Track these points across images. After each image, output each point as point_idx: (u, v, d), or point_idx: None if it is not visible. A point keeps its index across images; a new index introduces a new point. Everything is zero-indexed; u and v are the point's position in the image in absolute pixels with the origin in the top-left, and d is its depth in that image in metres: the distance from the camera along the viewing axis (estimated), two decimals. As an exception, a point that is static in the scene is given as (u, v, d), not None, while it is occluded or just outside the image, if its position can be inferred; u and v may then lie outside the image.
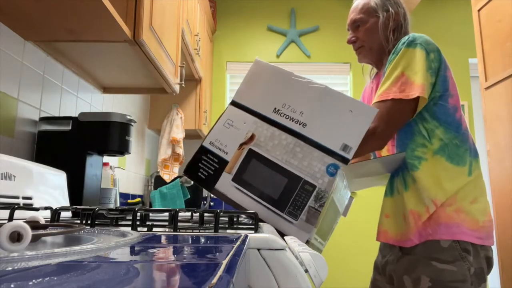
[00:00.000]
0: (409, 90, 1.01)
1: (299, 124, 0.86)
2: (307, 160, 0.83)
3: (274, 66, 0.95)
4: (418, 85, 1.01)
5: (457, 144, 1.05)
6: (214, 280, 0.24)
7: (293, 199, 0.82)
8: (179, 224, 0.68)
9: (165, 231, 0.63)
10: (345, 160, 0.83)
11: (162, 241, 0.50)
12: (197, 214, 0.74)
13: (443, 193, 1.02)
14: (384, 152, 1.19)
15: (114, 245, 0.33)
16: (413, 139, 1.08)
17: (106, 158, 1.54)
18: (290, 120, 0.87)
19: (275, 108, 0.89)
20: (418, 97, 1.01)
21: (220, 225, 0.62)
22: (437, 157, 1.04)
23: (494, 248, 1.11)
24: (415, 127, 1.07)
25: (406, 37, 1.07)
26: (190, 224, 0.77)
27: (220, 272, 0.27)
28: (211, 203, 2.99)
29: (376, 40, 1.18)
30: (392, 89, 1.03)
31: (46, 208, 0.73)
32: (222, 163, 0.88)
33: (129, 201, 2.24)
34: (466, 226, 1.00)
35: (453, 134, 1.06)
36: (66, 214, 1.09)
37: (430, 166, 1.04)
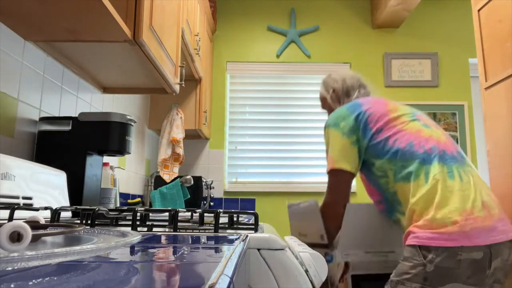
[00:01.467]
0: (328, 164, 1.32)
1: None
2: None
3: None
4: (330, 157, 1.30)
5: (403, 165, 1.18)
6: (214, 280, 0.24)
7: None
8: (179, 224, 0.68)
9: (165, 231, 0.63)
10: (324, 246, 1.33)
11: (162, 241, 0.50)
12: (197, 214, 0.74)
13: (412, 211, 1.12)
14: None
15: (114, 245, 0.33)
16: (379, 186, 1.26)
17: (106, 158, 1.54)
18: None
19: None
20: (336, 168, 1.28)
21: (220, 225, 0.62)
22: (398, 185, 1.19)
23: None
24: (372, 176, 1.27)
25: (326, 121, 1.40)
26: (190, 224, 0.77)
27: (220, 272, 0.27)
28: (211, 203, 2.99)
29: (330, 107, 1.55)
30: (327, 164, 1.34)
31: (46, 208, 0.73)
32: None
33: (129, 201, 2.24)
34: (429, 232, 1.05)
35: (395, 160, 1.20)
36: (66, 214, 1.09)
37: (400, 193, 1.19)
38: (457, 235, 1.02)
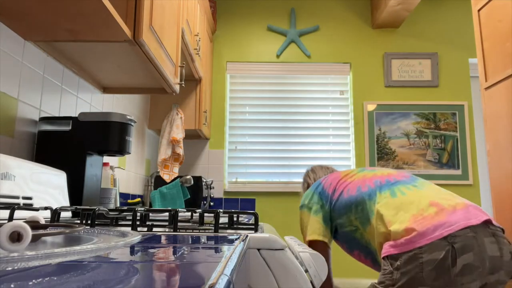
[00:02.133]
0: (305, 237, 1.48)
1: None
2: None
3: None
4: (305, 234, 1.48)
5: (359, 210, 1.29)
6: (214, 280, 0.24)
7: None
8: (179, 224, 0.68)
9: (165, 231, 0.63)
10: None
11: (162, 241, 0.50)
12: (197, 214, 0.74)
13: (378, 242, 1.22)
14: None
15: (114, 245, 0.33)
16: (357, 242, 1.34)
17: (106, 158, 1.54)
18: None
19: None
20: (313, 240, 1.43)
21: (220, 225, 0.62)
22: (368, 231, 1.27)
23: None
24: (348, 237, 1.37)
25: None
26: (190, 224, 0.77)
27: (220, 272, 0.27)
28: (211, 203, 2.99)
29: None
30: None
31: (46, 208, 0.73)
32: None
33: (129, 201, 2.24)
34: (391, 242, 1.12)
35: (353, 209, 1.32)
36: (66, 214, 1.09)
37: (371, 238, 1.27)
38: (414, 237, 1.05)
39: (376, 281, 1.16)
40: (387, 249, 1.11)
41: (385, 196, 1.24)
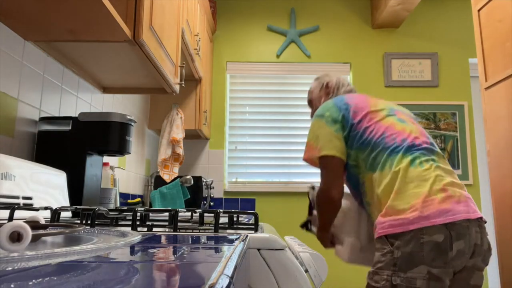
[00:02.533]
0: (312, 151, 1.33)
1: None
2: None
3: None
4: (317, 147, 1.32)
5: (373, 156, 1.23)
6: (214, 280, 0.24)
7: None
8: (179, 224, 0.68)
9: (165, 231, 0.63)
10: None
11: (162, 241, 0.50)
12: (197, 214, 0.74)
13: (378, 201, 1.19)
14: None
15: (114, 245, 0.34)
16: (351, 175, 1.32)
17: (106, 158, 1.54)
18: None
19: None
20: (326, 155, 1.30)
21: (220, 225, 0.62)
22: (367, 175, 1.25)
23: (493, 247, 1.11)
24: (347, 168, 1.32)
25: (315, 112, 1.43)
26: (190, 224, 0.77)
27: (220, 272, 0.27)
28: (211, 203, 2.99)
29: (320, 102, 1.61)
30: (305, 150, 1.38)
31: (46, 208, 0.73)
32: None
33: (129, 201, 2.24)
34: (391, 220, 1.11)
35: (367, 151, 1.25)
36: (66, 214, 1.09)
37: (367, 184, 1.25)
38: (417, 218, 1.08)
39: (373, 265, 1.14)
40: (386, 228, 1.11)
41: (406, 162, 1.19)
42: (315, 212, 1.41)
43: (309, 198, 1.53)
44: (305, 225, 1.53)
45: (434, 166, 1.18)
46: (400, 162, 1.19)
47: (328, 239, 1.40)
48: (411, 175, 1.16)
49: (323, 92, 1.60)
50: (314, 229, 1.46)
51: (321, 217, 1.36)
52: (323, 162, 1.32)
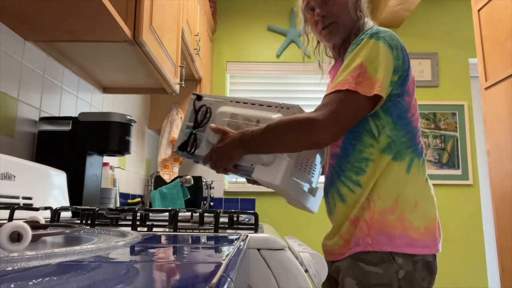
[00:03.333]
0: (367, 85, 0.91)
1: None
2: None
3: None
4: (377, 81, 0.91)
5: (403, 141, 0.98)
6: (214, 280, 0.24)
7: None
8: (179, 224, 0.68)
9: (165, 231, 0.63)
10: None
11: (162, 241, 0.50)
12: (197, 214, 0.74)
13: (381, 193, 0.95)
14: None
15: (114, 245, 0.34)
16: (361, 140, 0.99)
17: (106, 158, 1.54)
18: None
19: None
20: (378, 97, 0.92)
21: (220, 225, 0.62)
22: (383, 157, 0.97)
23: (493, 247, 1.08)
24: (365, 126, 0.99)
25: (369, 29, 0.99)
26: (190, 224, 0.77)
27: (220, 272, 0.27)
28: (211, 203, 2.99)
29: (348, 16, 1.08)
30: (349, 80, 0.92)
31: (46, 208, 0.73)
32: None
33: (129, 201, 2.24)
34: (408, 237, 0.93)
35: (402, 131, 0.98)
36: (66, 214, 1.09)
37: (375, 167, 0.97)
38: (429, 242, 0.95)
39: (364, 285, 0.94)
40: (403, 246, 0.92)
41: (423, 171, 1.00)
42: (212, 125, 1.02)
43: (194, 106, 1.07)
44: (185, 145, 1.04)
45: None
46: (420, 170, 1.00)
47: (235, 160, 0.99)
48: (427, 190, 1.00)
49: (357, 7, 1.09)
50: (203, 148, 1.03)
51: (275, 139, 0.95)
52: (362, 102, 0.92)
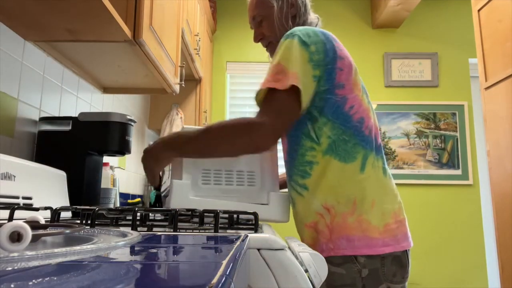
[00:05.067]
0: (284, 79, 0.91)
1: None
2: None
3: None
4: (291, 74, 0.91)
5: (345, 139, 0.95)
6: (214, 280, 0.24)
7: None
8: (179, 224, 0.68)
9: (165, 231, 0.63)
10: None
11: (162, 241, 0.50)
12: (197, 214, 0.74)
13: (339, 199, 0.94)
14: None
15: (114, 245, 0.34)
16: (301, 144, 0.99)
17: (106, 158, 1.54)
18: None
19: None
20: (296, 88, 0.90)
21: (220, 225, 0.62)
22: (327, 158, 0.95)
23: (493, 247, 1.08)
24: (303, 130, 0.99)
25: (290, 32, 0.99)
26: (190, 224, 0.77)
27: (220, 272, 0.27)
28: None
29: (280, 32, 1.09)
30: (268, 79, 0.94)
31: (46, 208, 0.73)
32: None
33: (129, 201, 2.24)
34: (367, 238, 0.91)
35: (341, 129, 0.95)
36: (66, 214, 1.09)
37: (321, 170, 0.95)
38: (391, 240, 0.93)
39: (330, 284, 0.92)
40: (361, 248, 0.91)
41: (379, 166, 0.98)
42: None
43: None
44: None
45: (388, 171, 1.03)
46: (376, 165, 0.97)
47: (162, 164, 0.97)
48: (385, 185, 0.98)
49: (286, 14, 1.10)
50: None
51: (212, 141, 0.93)
52: (284, 96, 0.91)
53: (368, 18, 3.31)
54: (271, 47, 1.14)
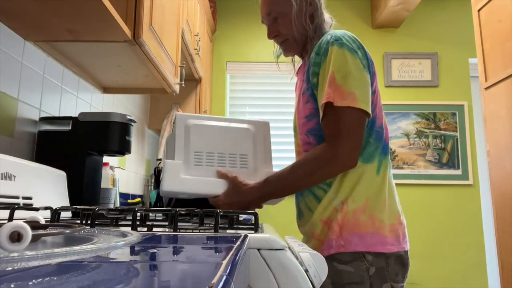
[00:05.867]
0: (349, 98, 0.93)
1: None
2: None
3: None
4: (352, 94, 0.93)
5: (370, 142, 0.99)
6: (214, 280, 0.24)
7: None
8: (179, 224, 0.68)
9: (165, 231, 0.63)
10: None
11: (162, 241, 0.50)
12: (197, 214, 0.74)
13: (355, 197, 0.96)
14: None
15: (114, 245, 0.34)
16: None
17: (106, 158, 1.54)
18: None
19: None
20: (358, 108, 0.93)
21: (220, 225, 0.62)
22: None
23: (493, 247, 1.09)
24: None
25: (329, 36, 1.01)
26: (190, 224, 0.77)
27: (220, 272, 0.27)
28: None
29: (297, 31, 1.11)
30: (333, 95, 0.94)
31: (46, 208, 0.73)
32: None
33: (129, 201, 2.24)
34: (380, 235, 0.94)
35: (368, 132, 0.99)
36: (66, 214, 1.08)
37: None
38: (395, 240, 0.96)
39: (337, 283, 0.93)
40: (375, 245, 0.93)
41: (388, 167, 1.03)
42: (220, 169, 1.03)
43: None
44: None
45: None
46: (386, 169, 1.01)
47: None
48: (393, 187, 1.02)
49: (305, 15, 1.09)
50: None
51: (298, 181, 0.99)
52: (356, 117, 0.93)
53: (368, 18, 3.31)
54: (287, 44, 1.15)
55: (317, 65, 1.00)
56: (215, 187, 1.00)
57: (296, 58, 1.29)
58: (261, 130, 1.11)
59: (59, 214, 0.70)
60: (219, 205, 1.01)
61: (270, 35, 1.15)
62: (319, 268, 0.61)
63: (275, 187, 1.01)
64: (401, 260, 0.96)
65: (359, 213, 0.95)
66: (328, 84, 0.95)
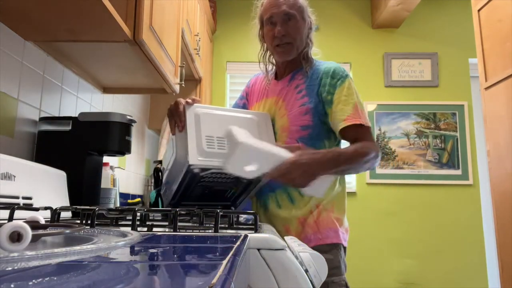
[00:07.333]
0: (366, 120, 1.19)
1: None
2: None
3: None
4: (365, 117, 1.19)
5: None
6: (214, 280, 0.24)
7: None
8: (179, 224, 0.68)
9: (165, 231, 0.63)
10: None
11: (162, 241, 0.50)
12: (197, 214, 0.74)
13: (328, 200, 1.20)
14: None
15: (114, 245, 0.34)
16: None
17: (106, 158, 1.54)
18: None
19: None
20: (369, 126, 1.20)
21: (220, 225, 0.62)
22: None
23: (493, 247, 1.12)
24: (320, 145, 1.21)
25: (342, 68, 1.28)
26: (190, 224, 0.77)
27: (220, 272, 0.27)
28: (211, 203, 2.99)
29: (301, 40, 1.27)
30: (361, 118, 1.17)
31: (46, 208, 0.73)
32: None
33: (129, 201, 2.24)
34: (343, 231, 1.20)
35: (337, 146, 1.26)
36: (66, 214, 1.08)
37: None
38: (347, 236, 1.23)
39: (331, 273, 1.07)
40: (340, 238, 1.17)
41: (344, 180, 1.35)
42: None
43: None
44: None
45: None
46: (344, 181, 1.31)
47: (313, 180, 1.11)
48: (345, 198, 1.31)
49: (309, 28, 1.31)
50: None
51: (346, 164, 1.12)
52: (370, 131, 1.20)
53: (368, 18, 3.31)
54: (289, 48, 1.27)
55: (332, 87, 1.21)
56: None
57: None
58: (263, 120, 1.22)
59: (59, 214, 0.70)
60: (282, 173, 1.00)
61: (280, 32, 1.24)
62: (319, 268, 0.61)
63: (337, 160, 1.09)
64: (345, 252, 1.22)
65: (330, 212, 1.19)
66: (354, 111, 1.17)
